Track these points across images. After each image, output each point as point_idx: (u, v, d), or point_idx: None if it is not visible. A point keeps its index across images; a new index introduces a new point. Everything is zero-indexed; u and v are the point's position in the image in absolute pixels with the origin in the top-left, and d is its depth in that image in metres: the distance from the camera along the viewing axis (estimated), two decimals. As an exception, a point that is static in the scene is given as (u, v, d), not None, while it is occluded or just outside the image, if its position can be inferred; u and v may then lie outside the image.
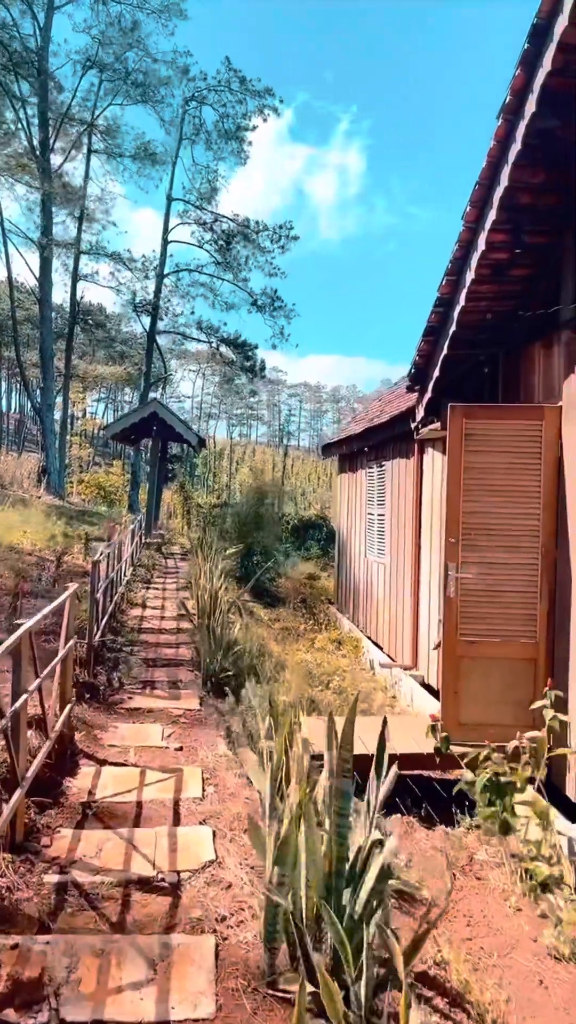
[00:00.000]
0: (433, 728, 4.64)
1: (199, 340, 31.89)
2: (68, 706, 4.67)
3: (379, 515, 10.43)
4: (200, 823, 3.82)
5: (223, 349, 32.31)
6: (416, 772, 5.20)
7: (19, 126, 25.49)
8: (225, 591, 9.19)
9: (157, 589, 12.08)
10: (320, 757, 5.05)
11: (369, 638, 10.16)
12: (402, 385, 12.58)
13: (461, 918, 3.69)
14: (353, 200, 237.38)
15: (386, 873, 2.22)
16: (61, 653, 4.45)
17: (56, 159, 26.99)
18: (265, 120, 29.77)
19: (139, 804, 4.03)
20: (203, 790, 4.28)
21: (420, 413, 6.59)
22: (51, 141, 26.13)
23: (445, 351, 5.71)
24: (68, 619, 4.71)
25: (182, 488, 37.24)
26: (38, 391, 28.48)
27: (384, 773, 3.11)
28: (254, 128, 30.03)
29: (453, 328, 5.49)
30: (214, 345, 31.88)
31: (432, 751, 4.78)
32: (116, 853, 3.45)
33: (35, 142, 25.67)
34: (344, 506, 12.92)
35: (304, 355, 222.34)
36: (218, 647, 6.85)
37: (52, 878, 3.21)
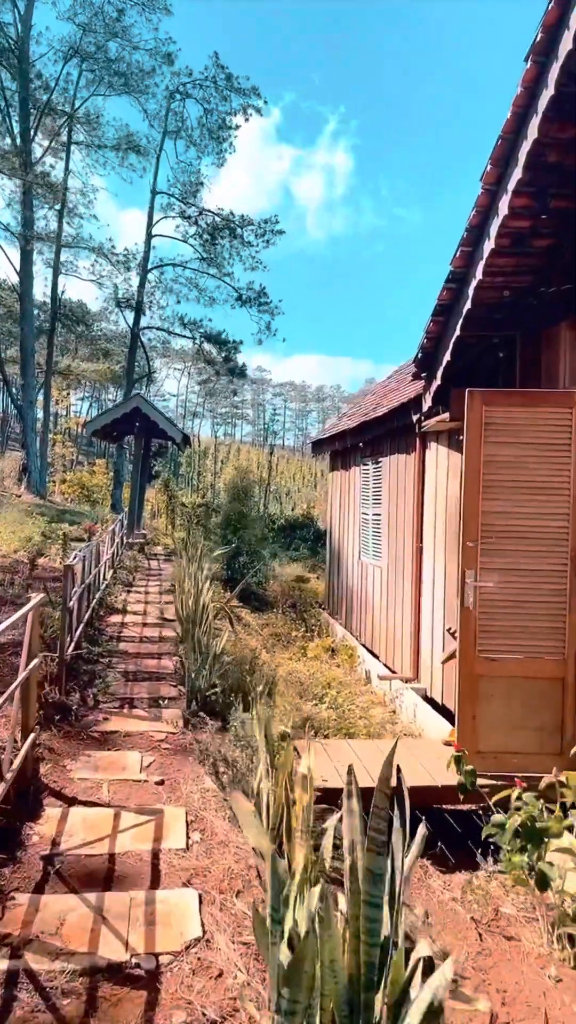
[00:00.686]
0: (457, 760, 4.06)
1: (182, 336, 31.20)
2: (32, 735, 4.04)
3: (375, 515, 9.86)
4: (184, 884, 3.20)
5: (206, 347, 31.64)
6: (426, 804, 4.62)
7: (1, 116, 24.69)
8: (211, 596, 8.57)
9: (139, 592, 11.42)
10: (325, 793, 4.47)
11: (365, 646, 9.58)
12: (396, 378, 12.03)
13: (495, 993, 3.11)
14: (340, 200, 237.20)
15: (436, 1011, 1.62)
16: (22, 675, 3.82)
17: (37, 151, 26.21)
18: (247, 119, 29.22)
19: (111, 857, 3.40)
20: (187, 838, 3.66)
21: (427, 402, 6.01)
22: (32, 132, 25.34)
23: (458, 332, 5.12)
24: (31, 634, 4.07)
25: (166, 487, 36.43)
26: (19, 388, 27.63)
27: (406, 828, 2.50)
28: (237, 127, 29.45)
29: (468, 306, 4.91)
30: (197, 341, 31.20)
31: (453, 784, 4.19)
32: (82, 928, 2.82)
33: (15, 132, 24.87)
34: (336, 505, 12.34)
35: (289, 355, 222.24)
36: (204, 660, 6.22)
37: (1, 964, 2.58)
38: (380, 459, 9.71)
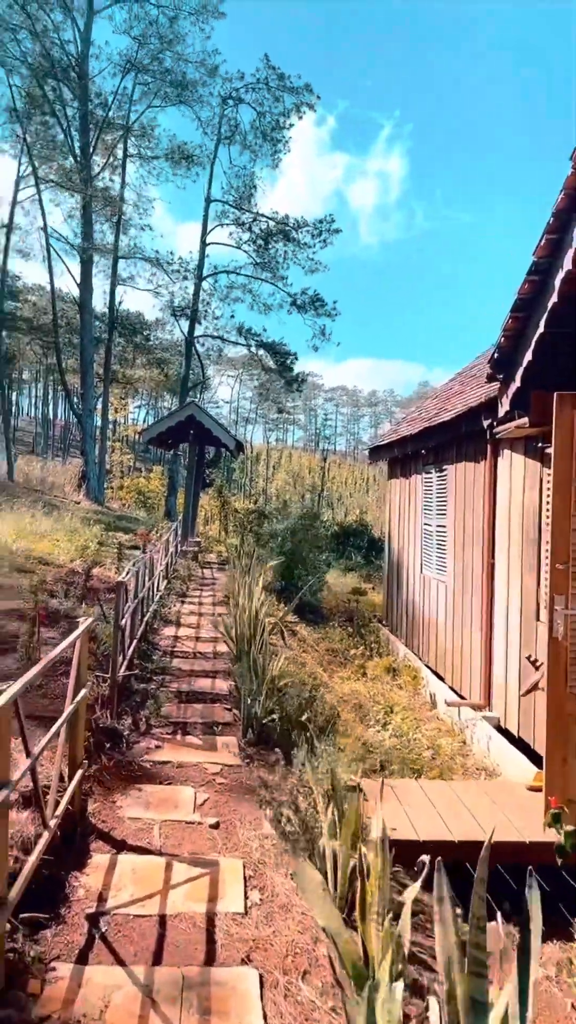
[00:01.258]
0: (556, 817, 3.57)
1: (238, 343, 31.15)
2: (79, 771, 3.74)
3: (439, 527, 9.34)
4: (243, 960, 2.82)
5: (261, 353, 31.50)
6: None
7: (61, 131, 25.18)
8: (266, 610, 8.22)
9: (193, 603, 11.18)
10: (396, 847, 3.99)
11: (429, 667, 9.06)
12: (460, 380, 11.46)
13: None
14: (393, 206, 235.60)
15: None
16: (69, 708, 3.52)
17: (97, 162, 26.63)
18: (301, 117, 28.93)
19: (162, 920, 3.06)
20: (245, 898, 3.28)
21: (503, 406, 5.51)
22: (91, 147, 25.76)
23: (541, 329, 4.63)
24: (79, 662, 3.79)
25: (219, 493, 36.46)
26: (78, 397, 28.07)
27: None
28: (291, 127, 29.22)
29: (554, 300, 4.41)
30: (253, 349, 31.10)
31: (547, 842, 3.70)
32: (128, 1012, 2.47)
33: (76, 149, 25.32)
34: (395, 515, 11.84)
35: (340, 359, 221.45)
36: (260, 684, 5.86)
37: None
38: (445, 467, 9.19)
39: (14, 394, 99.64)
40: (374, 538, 27.88)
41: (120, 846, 3.69)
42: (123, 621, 5.80)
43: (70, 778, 3.63)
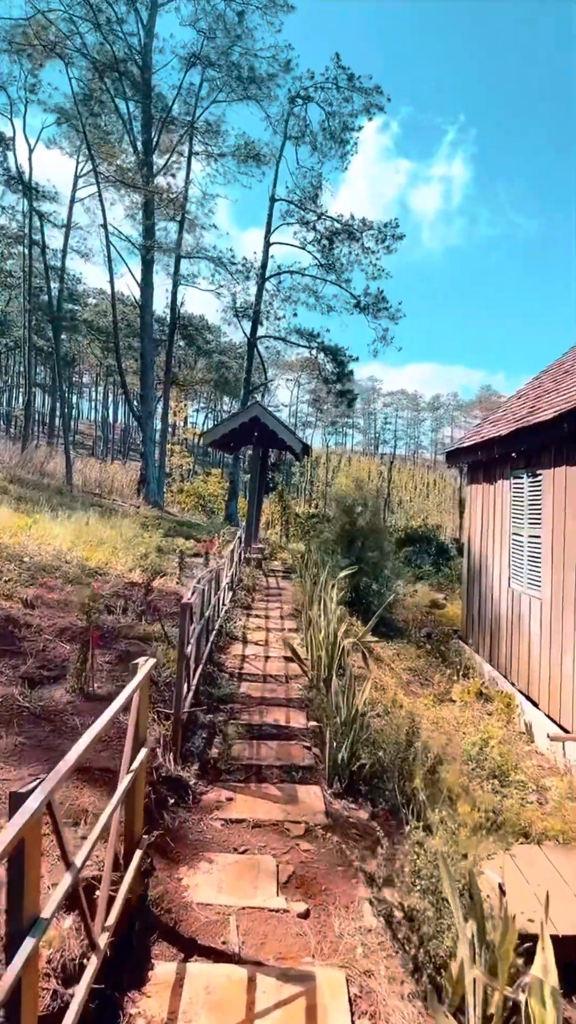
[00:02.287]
0: None
1: (299, 345, 30.44)
2: (136, 855, 3.02)
3: (531, 537, 8.33)
4: None
5: (320, 359, 30.78)
6: None
7: (123, 126, 25.05)
8: (343, 630, 7.42)
9: (259, 617, 10.46)
10: (527, 941, 3.14)
11: (522, 692, 8.06)
12: (551, 377, 10.39)
13: None
14: (456, 211, 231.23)
15: None
16: (123, 783, 2.79)
17: (158, 161, 26.42)
18: (371, 118, 28.08)
19: (247, 1080, 2.29)
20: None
21: None
22: (154, 143, 25.56)
23: None
24: (136, 725, 3.06)
25: (280, 497, 35.84)
26: (138, 399, 27.94)
27: None
28: (360, 128, 28.38)
29: None
30: (314, 353, 30.38)
31: None
32: None
33: (138, 144, 25.17)
34: (476, 523, 10.84)
35: (401, 364, 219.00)
36: (346, 723, 5.06)
37: None
38: (539, 472, 8.19)
39: (74, 397, 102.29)
40: (443, 544, 26.68)
41: (189, 948, 2.95)
42: (188, 649, 5.09)
43: (126, 863, 2.91)
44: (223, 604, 9.29)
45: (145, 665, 3.16)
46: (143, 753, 3.10)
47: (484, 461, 10.34)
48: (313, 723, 5.83)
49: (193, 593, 5.34)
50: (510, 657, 8.75)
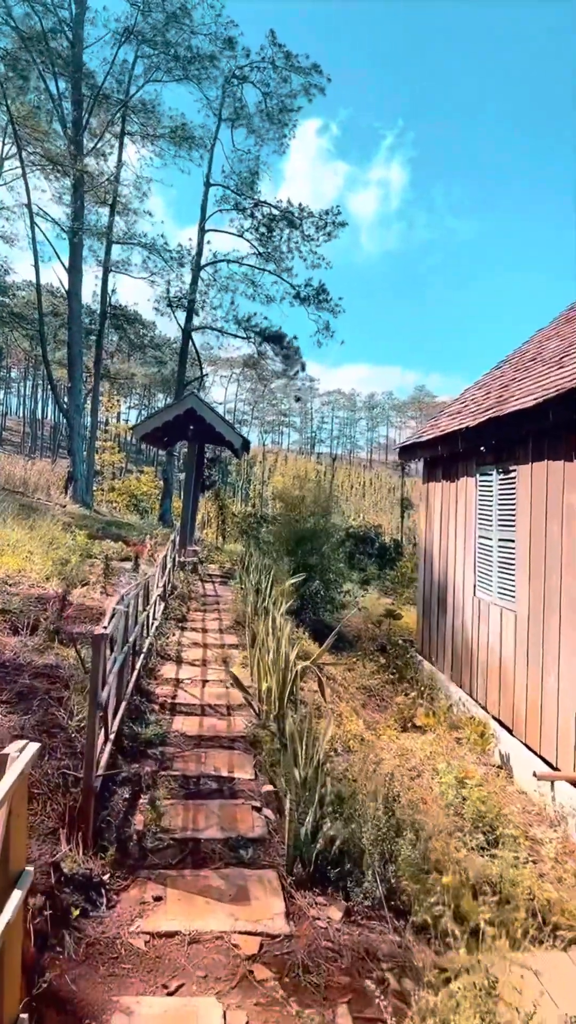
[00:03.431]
0: None
1: (236, 336, 29.18)
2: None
3: (502, 541, 7.51)
4: None
5: (263, 347, 29.61)
6: None
7: (51, 103, 23.24)
8: (293, 649, 6.37)
9: (195, 630, 9.29)
10: None
11: (496, 719, 7.20)
12: (514, 366, 9.66)
13: None
14: (394, 215, 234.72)
15: None
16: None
17: (88, 141, 24.67)
18: (311, 100, 26.96)
19: None
20: None
21: None
22: (84, 120, 23.82)
23: None
24: (5, 859, 1.90)
25: (216, 496, 34.51)
26: (65, 391, 26.14)
27: None
28: (299, 109, 27.30)
29: None
30: (252, 341, 29.18)
31: None
32: None
33: (67, 120, 23.41)
34: (435, 525, 10.00)
35: (338, 364, 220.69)
36: (307, 788, 3.99)
37: None
38: (512, 468, 7.37)
39: (2, 392, 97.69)
40: (384, 544, 26.08)
41: None
42: (104, 692, 3.90)
43: None
44: (154, 619, 8.08)
45: (19, 761, 1.98)
46: (16, 897, 1.93)
47: (444, 457, 9.50)
48: (266, 785, 4.71)
49: (111, 618, 4.15)
50: (478, 677, 7.90)
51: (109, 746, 4.25)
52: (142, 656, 6.45)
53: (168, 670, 7.25)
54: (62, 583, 8.62)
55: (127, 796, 4.29)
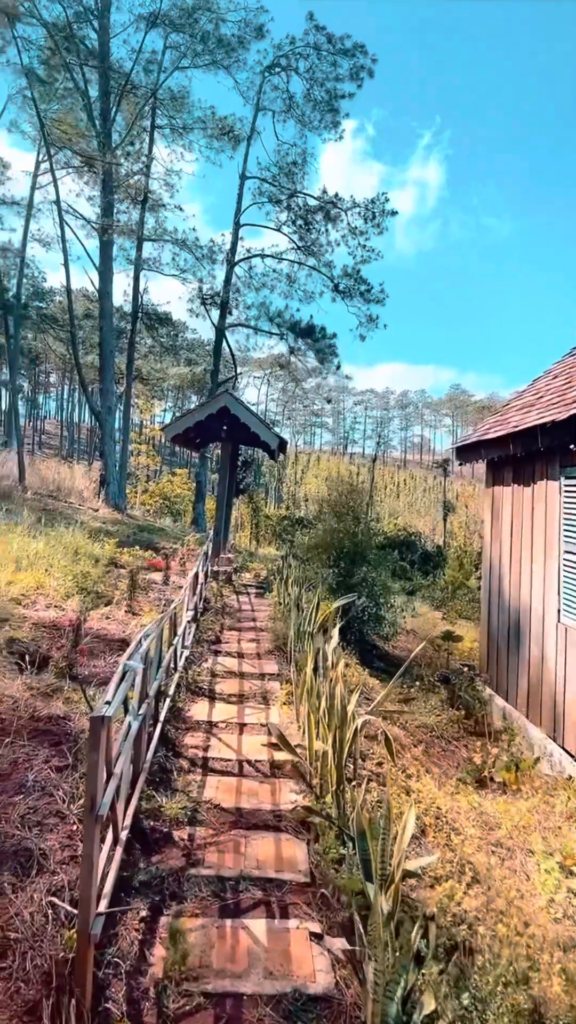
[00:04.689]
0: None
1: (269, 332, 28.06)
2: None
3: (597, 558, 6.24)
4: None
5: (296, 343, 28.40)
6: None
7: (78, 95, 22.51)
8: (352, 697, 5.22)
9: (230, 655, 8.20)
10: None
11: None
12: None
13: None
14: (430, 215, 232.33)
15: None
16: None
17: (116, 135, 23.88)
18: (360, 86, 25.45)
19: None
20: None
21: None
22: (112, 112, 23.02)
23: None
24: None
25: (250, 499, 33.44)
26: (97, 392, 25.38)
27: None
28: (350, 95, 25.87)
29: None
30: (285, 337, 28.00)
31: None
32: None
33: (94, 111, 22.65)
34: (504, 536, 8.75)
35: (372, 364, 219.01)
36: (390, 927, 2.84)
37: None
38: (610, 471, 6.10)
39: (40, 396, 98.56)
40: (427, 551, 24.72)
41: None
42: (106, 796, 2.78)
43: None
44: (184, 647, 7.01)
45: None
46: None
47: (517, 456, 8.26)
48: (330, 909, 3.56)
49: (120, 680, 3.04)
50: (564, 719, 6.64)
51: (119, 853, 3.16)
52: (168, 699, 5.36)
53: (199, 710, 6.17)
54: (81, 605, 7.60)
55: (143, 915, 3.20)
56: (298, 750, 5.22)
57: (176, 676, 6.10)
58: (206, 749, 5.33)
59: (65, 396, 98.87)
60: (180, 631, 6.38)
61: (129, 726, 3.43)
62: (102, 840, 2.86)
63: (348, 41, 24.06)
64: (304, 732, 5.37)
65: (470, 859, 4.65)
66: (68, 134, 20.24)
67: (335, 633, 6.36)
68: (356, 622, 10.60)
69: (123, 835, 3.36)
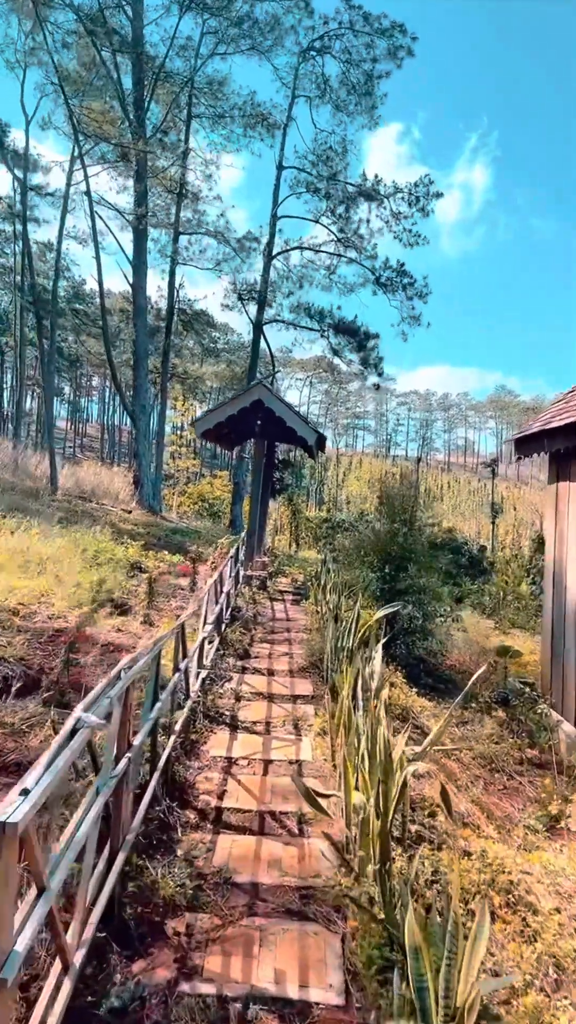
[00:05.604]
0: None
1: (309, 328, 27.12)
2: None
3: None
4: None
5: (336, 340, 27.35)
6: None
7: (110, 83, 22.01)
8: (399, 740, 4.23)
9: (259, 673, 7.26)
10: None
11: None
12: None
13: None
14: (475, 218, 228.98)
15: None
16: None
17: (149, 126, 23.29)
18: (399, 66, 24.30)
19: None
20: None
21: None
22: (146, 99, 22.41)
23: None
24: None
25: (290, 500, 32.45)
26: (131, 390, 24.88)
27: None
28: (387, 75, 24.71)
29: None
30: (325, 334, 26.99)
31: None
32: None
33: (126, 98, 22.09)
34: (570, 536, 7.61)
35: (415, 367, 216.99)
36: None
37: None
38: None
39: (83, 400, 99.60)
40: (474, 555, 23.39)
41: None
42: (7, 971, 1.87)
43: None
44: (201, 667, 6.10)
45: None
46: None
47: (583, 448, 7.12)
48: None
49: (53, 759, 2.12)
50: None
51: (68, 987, 2.23)
52: (174, 736, 4.44)
53: (217, 742, 5.25)
54: (85, 616, 6.77)
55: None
56: (333, 799, 4.25)
57: (189, 703, 5.18)
58: (221, 796, 4.39)
59: (107, 399, 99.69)
60: (196, 648, 5.47)
61: (94, 797, 2.50)
62: (45, 969, 1.94)
63: (385, 20, 23.01)
64: (340, 774, 4.38)
65: (553, 948, 3.61)
66: (99, 122, 19.68)
67: (378, 652, 5.35)
68: (402, 633, 9.54)
69: (88, 935, 2.44)
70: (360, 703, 4.81)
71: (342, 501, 73.05)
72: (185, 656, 4.85)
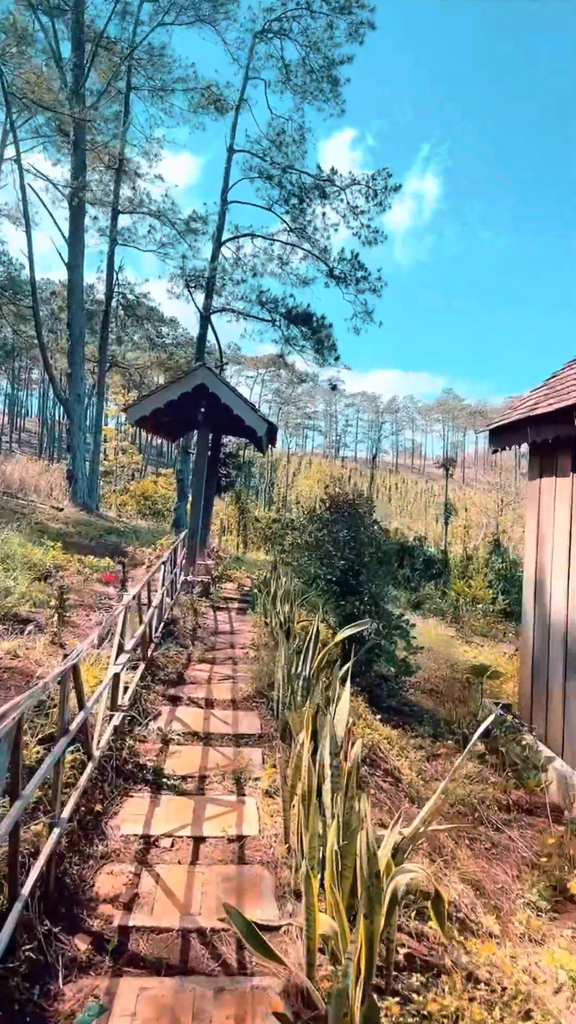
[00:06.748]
0: None
1: (260, 318, 25.76)
2: None
3: None
4: None
5: (290, 330, 26.09)
6: None
7: (47, 44, 20.28)
8: (384, 846, 3.02)
9: (195, 704, 5.96)
10: None
11: None
12: None
13: None
14: (426, 227, 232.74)
15: None
16: None
17: (88, 97, 21.59)
18: (361, 43, 23.11)
19: None
20: None
21: None
22: (85, 68, 20.71)
23: None
24: None
25: (237, 499, 31.05)
26: (65, 377, 23.08)
27: None
28: (350, 59, 23.58)
29: None
30: (278, 324, 25.68)
31: None
32: None
33: (65, 64, 20.38)
34: (553, 539, 6.61)
35: (367, 370, 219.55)
36: None
37: None
38: None
39: (23, 393, 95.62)
40: (429, 557, 22.56)
41: None
42: None
43: None
44: (119, 704, 4.76)
45: None
46: None
47: (565, 440, 6.11)
48: None
49: None
50: None
51: None
52: (57, 830, 3.11)
53: (132, 811, 3.95)
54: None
55: None
56: (292, 920, 3.01)
57: (91, 766, 3.86)
58: (130, 905, 3.11)
59: (47, 392, 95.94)
60: (106, 685, 4.13)
61: None
62: None
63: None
64: (299, 873, 3.16)
65: None
66: (32, 84, 17.93)
67: (346, 691, 4.15)
68: (359, 647, 8.39)
69: None
70: (326, 759, 3.60)
71: (292, 501, 72.05)
72: (82, 707, 3.53)
